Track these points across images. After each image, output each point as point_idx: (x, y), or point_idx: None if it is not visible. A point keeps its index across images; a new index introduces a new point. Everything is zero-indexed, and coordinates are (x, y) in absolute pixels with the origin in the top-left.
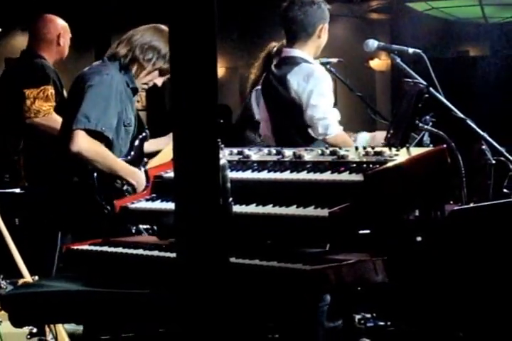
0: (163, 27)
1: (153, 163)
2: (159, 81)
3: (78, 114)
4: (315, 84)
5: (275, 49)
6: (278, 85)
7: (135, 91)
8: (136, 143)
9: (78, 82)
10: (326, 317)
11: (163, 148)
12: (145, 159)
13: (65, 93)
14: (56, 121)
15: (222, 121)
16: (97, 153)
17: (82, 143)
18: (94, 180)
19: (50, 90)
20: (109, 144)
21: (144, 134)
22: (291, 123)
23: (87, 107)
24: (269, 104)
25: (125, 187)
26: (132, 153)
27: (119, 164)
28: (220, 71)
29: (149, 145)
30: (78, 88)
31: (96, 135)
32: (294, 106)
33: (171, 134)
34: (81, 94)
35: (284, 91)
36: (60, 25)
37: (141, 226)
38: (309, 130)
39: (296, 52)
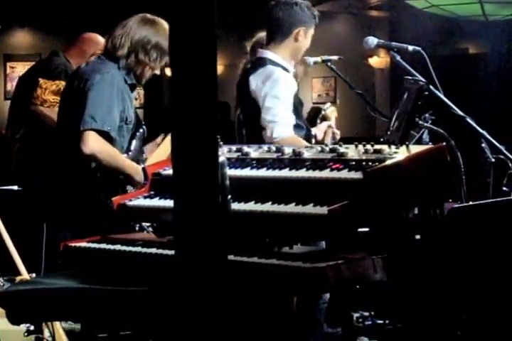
0: (154, 18)
1: (151, 160)
2: (158, 71)
3: (84, 114)
4: (271, 87)
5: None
6: (242, 86)
7: (133, 87)
8: (135, 139)
9: (78, 80)
10: (324, 319)
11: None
12: (144, 155)
13: None
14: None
15: (220, 117)
16: (109, 154)
17: (94, 144)
18: (99, 179)
19: (64, 86)
20: (112, 143)
21: (141, 130)
22: (254, 125)
23: (92, 107)
24: (239, 104)
25: (128, 186)
26: (132, 149)
27: (127, 163)
28: (219, 68)
29: None
30: (78, 86)
31: (102, 134)
32: (253, 107)
33: (156, 141)
34: (83, 93)
35: (246, 93)
36: (100, 45)
37: (144, 223)
38: (263, 133)
39: (267, 53)
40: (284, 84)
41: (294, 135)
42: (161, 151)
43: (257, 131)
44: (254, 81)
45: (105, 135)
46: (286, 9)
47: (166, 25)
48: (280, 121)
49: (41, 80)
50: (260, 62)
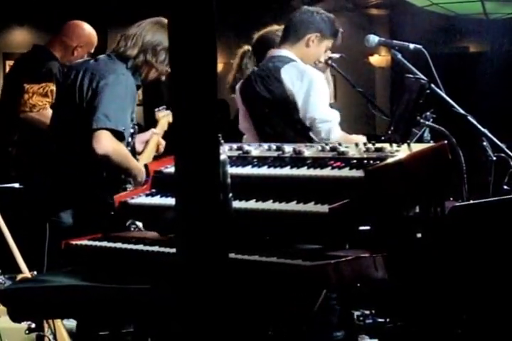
0: None
1: (142, 160)
2: (163, 76)
3: (97, 112)
4: (310, 85)
5: (247, 51)
6: (272, 81)
7: (138, 88)
8: (129, 138)
9: (89, 77)
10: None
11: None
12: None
13: None
14: (50, 116)
15: (219, 115)
16: (121, 155)
17: (108, 144)
18: (104, 179)
19: (51, 87)
20: (122, 143)
21: (132, 130)
22: (286, 122)
23: (106, 106)
24: (256, 104)
25: (128, 185)
26: (128, 148)
27: (134, 163)
28: (219, 66)
29: None
30: (90, 84)
31: (115, 134)
32: (288, 103)
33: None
34: (95, 91)
35: (278, 88)
36: (84, 38)
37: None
38: (310, 133)
39: (283, 52)
40: (321, 80)
41: (344, 133)
42: (146, 154)
43: (291, 127)
44: (288, 76)
45: (119, 135)
46: (305, 14)
47: None
48: (333, 121)
49: (27, 86)
50: (281, 59)
